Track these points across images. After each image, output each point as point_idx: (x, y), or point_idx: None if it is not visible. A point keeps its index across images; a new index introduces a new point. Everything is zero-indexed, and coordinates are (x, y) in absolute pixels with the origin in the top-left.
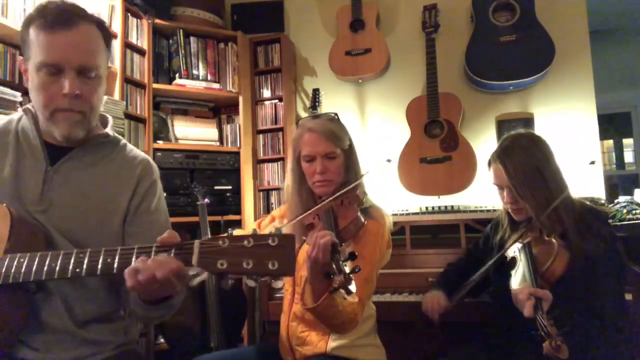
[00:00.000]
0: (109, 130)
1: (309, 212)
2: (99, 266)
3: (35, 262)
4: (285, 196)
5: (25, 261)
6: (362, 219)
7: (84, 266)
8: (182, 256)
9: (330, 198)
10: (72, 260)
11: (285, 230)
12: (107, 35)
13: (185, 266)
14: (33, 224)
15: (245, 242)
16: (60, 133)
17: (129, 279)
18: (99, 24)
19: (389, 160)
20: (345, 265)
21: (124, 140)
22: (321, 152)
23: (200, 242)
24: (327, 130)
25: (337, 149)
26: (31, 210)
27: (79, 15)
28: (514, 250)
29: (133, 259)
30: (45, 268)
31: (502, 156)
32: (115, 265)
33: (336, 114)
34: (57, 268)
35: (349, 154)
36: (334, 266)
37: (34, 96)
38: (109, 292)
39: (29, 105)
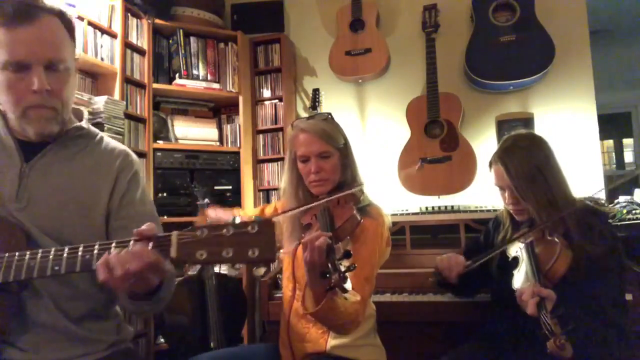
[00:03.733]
0: (83, 123)
1: (304, 207)
2: (78, 263)
3: (14, 262)
4: (282, 198)
5: (4, 261)
6: (359, 217)
7: (63, 263)
8: (160, 248)
9: (326, 199)
10: (50, 258)
11: (284, 230)
12: (70, 26)
13: (164, 258)
14: (12, 223)
15: (224, 231)
16: (34, 131)
17: (101, 273)
18: (60, 15)
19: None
20: (341, 264)
21: (101, 134)
22: (315, 152)
23: (178, 233)
24: (320, 130)
25: (331, 148)
26: (10, 208)
27: (39, 7)
28: (516, 249)
29: (113, 252)
30: (24, 267)
31: (503, 157)
32: (94, 261)
33: (330, 114)
34: (36, 266)
35: (345, 152)
36: (329, 265)
37: (3, 96)
38: (100, 289)
39: None
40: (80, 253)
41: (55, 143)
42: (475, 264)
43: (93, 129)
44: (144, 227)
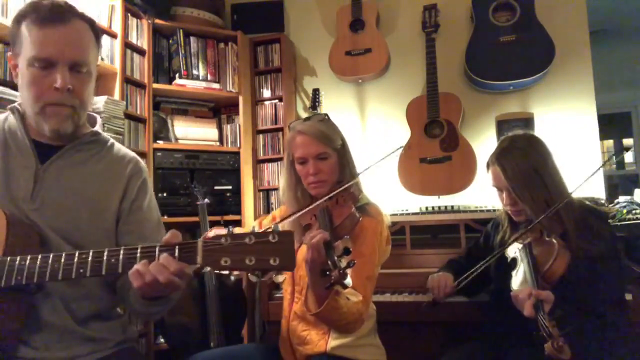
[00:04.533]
0: (97, 128)
1: (304, 210)
2: (104, 266)
3: (37, 264)
4: (281, 200)
5: (27, 263)
6: (358, 215)
7: (88, 266)
8: (186, 255)
9: (325, 198)
10: (75, 261)
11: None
12: (98, 34)
13: (190, 264)
14: (27, 224)
15: (247, 240)
16: (50, 128)
17: (135, 280)
18: (90, 22)
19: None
20: (340, 261)
21: (112, 140)
22: (313, 154)
23: (203, 241)
24: (317, 132)
25: (328, 149)
26: (24, 208)
27: (72, 12)
28: (515, 250)
29: (137, 257)
30: (49, 269)
31: (500, 158)
32: (120, 265)
33: (327, 115)
34: (61, 269)
35: (342, 153)
36: (329, 262)
37: (24, 91)
38: (105, 289)
39: (15, 104)
40: (105, 257)
41: (70, 146)
42: (462, 284)
43: (105, 134)
44: (168, 235)
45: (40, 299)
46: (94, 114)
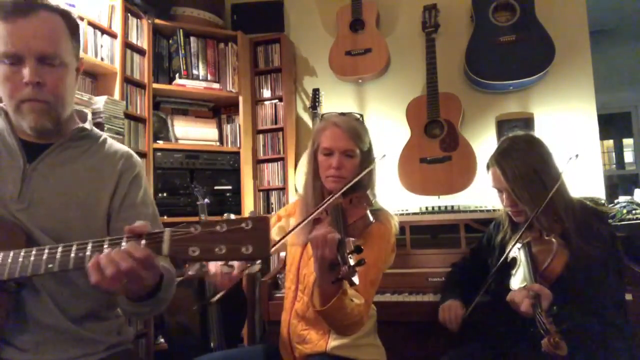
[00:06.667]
0: (86, 125)
1: (319, 209)
2: (71, 260)
3: (9, 260)
4: (299, 189)
5: None
6: (371, 218)
7: (56, 261)
8: (152, 245)
9: (341, 191)
10: (44, 256)
11: (294, 224)
12: (73, 25)
13: (156, 255)
14: (12, 223)
15: (218, 227)
16: (28, 125)
17: (93, 274)
18: (63, 13)
19: (383, 156)
20: (351, 258)
21: (104, 136)
22: (341, 148)
23: (171, 230)
24: (351, 128)
25: (356, 149)
26: (12, 209)
27: (38, 4)
28: (514, 250)
29: (105, 251)
30: (18, 265)
31: (500, 159)
32: (87, 259)
33: (362, 115)
34: (30, 264)
35: (367, 156)
36: (339, 258)
37: (0, 90)
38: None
39: (2, 104)
40: (73, 251)
41: (57, 144)
42: (470, 309)
43: (96, 130)
44: (135, 224)
45: (28, 297)
46: (85, 111)
